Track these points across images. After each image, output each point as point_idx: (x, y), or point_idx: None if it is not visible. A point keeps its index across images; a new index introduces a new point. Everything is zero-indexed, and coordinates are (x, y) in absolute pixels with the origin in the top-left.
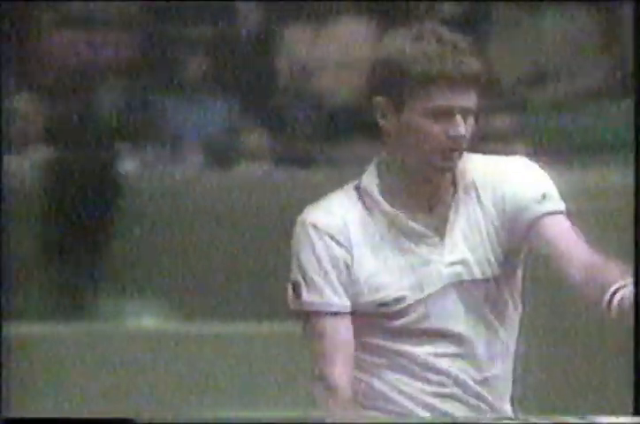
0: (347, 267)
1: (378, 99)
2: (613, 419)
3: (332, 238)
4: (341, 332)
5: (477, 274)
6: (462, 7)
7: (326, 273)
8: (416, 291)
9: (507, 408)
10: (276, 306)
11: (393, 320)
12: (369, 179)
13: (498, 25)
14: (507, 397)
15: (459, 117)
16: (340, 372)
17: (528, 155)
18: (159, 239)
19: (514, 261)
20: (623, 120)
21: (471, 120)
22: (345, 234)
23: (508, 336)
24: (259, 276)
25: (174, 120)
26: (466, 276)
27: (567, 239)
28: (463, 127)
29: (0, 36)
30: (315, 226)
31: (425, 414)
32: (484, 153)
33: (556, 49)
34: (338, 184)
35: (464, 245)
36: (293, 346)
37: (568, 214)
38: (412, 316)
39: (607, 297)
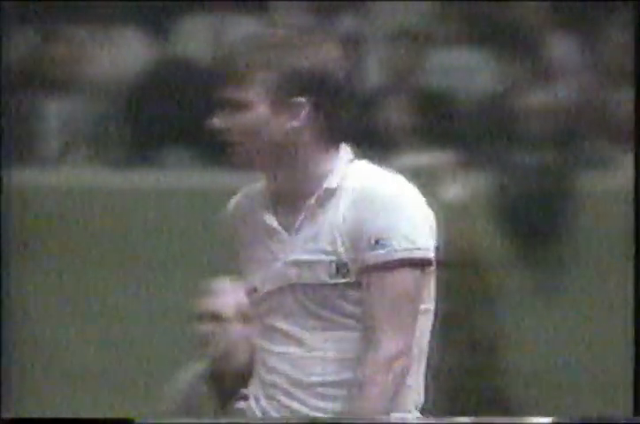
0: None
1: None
2: (613, 419)
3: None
4: None
5: (311, 278)
6: None
7: None
8: (264, 286)
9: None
10: None
11: (253, 309)
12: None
13: None
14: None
15: None
16: None
17: None
18: None
19: (355, 273)
20: None
21: None
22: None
23: (351, 342)
24: None
25: None
26: (296, 280)
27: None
28: None
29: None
30: None
31: (258, 414)
32: None
33: None
34: None
35: (305, 247)
36: None
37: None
38: (260, 309)
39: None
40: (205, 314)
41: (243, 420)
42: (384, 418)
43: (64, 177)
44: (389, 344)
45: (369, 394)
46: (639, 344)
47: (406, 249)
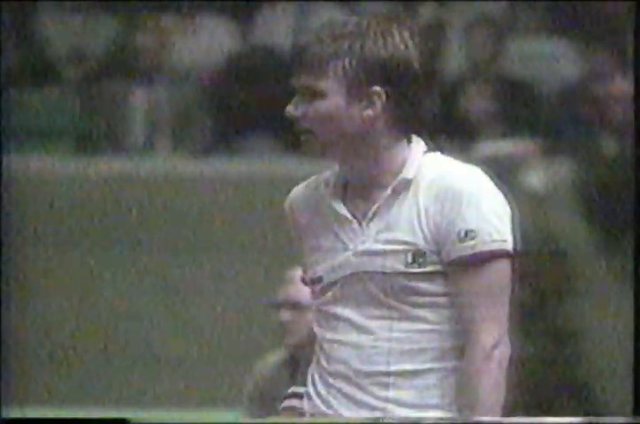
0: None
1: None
2: (612, 419)
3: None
4: None
5: (382, 267)
6: None
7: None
8: (330, 275)
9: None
10: None
11: (315, 298)
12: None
13: None
14: (421, 394)
15: None
16: None
17: None
18: None
19: (435, 261)
20: None
21: None
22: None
23: (420, 333)
24: None
25: None
26: (366, 268)
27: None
28: None
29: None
30: None
31: (318, 403)
32: None
33: None
34: None
35: (378, 236)
36: None
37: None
38: (325, 298)
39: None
40: (283, 302)
41: (271, 420)
42: (386, 417)
43: (148, 167)
44: (487, 335)
45: (478, 385)
46: (639, 345)
47: (494, 241)
